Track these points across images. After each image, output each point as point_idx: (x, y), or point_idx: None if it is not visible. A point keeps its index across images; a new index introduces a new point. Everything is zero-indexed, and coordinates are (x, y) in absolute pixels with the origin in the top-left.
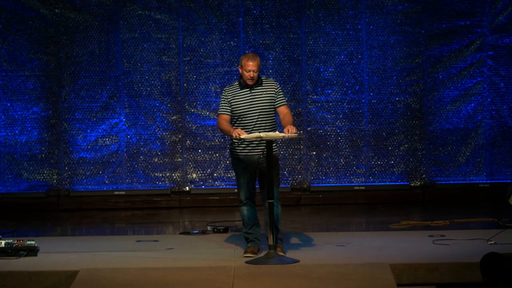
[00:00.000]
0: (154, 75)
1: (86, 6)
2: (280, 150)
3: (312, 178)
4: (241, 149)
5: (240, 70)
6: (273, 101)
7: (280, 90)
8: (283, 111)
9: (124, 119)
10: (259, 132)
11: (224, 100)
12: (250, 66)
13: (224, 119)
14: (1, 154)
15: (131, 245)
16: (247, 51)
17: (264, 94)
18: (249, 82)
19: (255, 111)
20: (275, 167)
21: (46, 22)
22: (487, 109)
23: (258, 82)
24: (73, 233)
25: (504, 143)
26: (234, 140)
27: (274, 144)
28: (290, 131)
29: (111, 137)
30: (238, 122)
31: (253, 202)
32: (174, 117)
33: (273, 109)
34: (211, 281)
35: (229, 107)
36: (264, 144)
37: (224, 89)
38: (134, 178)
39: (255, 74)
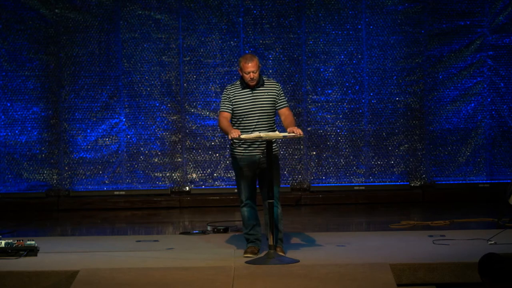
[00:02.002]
0: (154, 75)
1: (86, 6)
2: (280, 150)
3: (312, 178)
4: (242, 150)
5: (240, 73)
6: (274, 102)
7: (282, 92)
8: (285, 112)
9: (124, 119)
10: (260, 132)
11: (225, 98)
12: (249, 68)
13: (224, 117)
14: (1, 154)
15: (131, 245)
16: (247, 51)
17: (266, 95)
18: (251, 83)
19: (256, 111)
20: (275, 167)
21: (46, 22)
22: (487, 109)
23: (259, 83)
24: (73, 233)
25: (504, 143)
26: (235, 140)
27: (275, 144)
28: (296, 132)
29: (111, 137)
30: (239, 122)
31: (254, 202)
32: (174, 117)
33: (274, 110)
34: (211, 281)
35: (231, 105)
36: (265, 145)
37: (226, 87)
38: (134, 178)
39: (255, 75)
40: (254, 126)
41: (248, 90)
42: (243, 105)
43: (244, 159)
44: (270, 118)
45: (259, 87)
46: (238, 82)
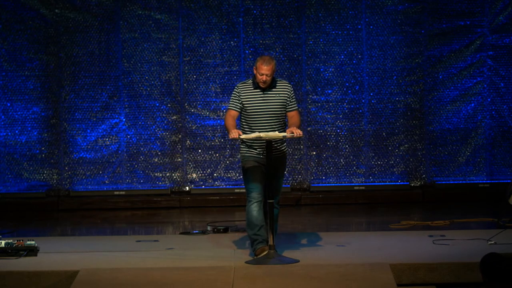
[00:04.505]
0: (154, 75)
1: (86, 6)
2: None
3: (312, 178)
4: (252, 149)
5: (254, 71)
6: (285, 104)
7: (293, 95)
8: (292, 115)
9: (124, 119)
10: (260, 132)
11: (235, 96)
12: (263, 70)
13: (231, 115)
14: (1, 154)
15: (131, 245)
16: (247, 51)
17: (277, 96)
18: (262, 86)
19: (266, 113)
20: (282, 168)
21: (46, 22)
22: (487, 109)
23: (271, 85)
24: (73, 233)
25: (504, 143)
26: (240, 141)
27: (284, 144)
28: (295, 133)
29: (111, 137)
30: (249, 121)
31: (262, 202)
32: (174, 117)
33: (285, 112)
34: (211, 281)
35: (240, 103)
36: (275, 145)
37: (237, 85)
38: (134, 178)
39: (268, 79)
40: (265, 127)
41: (259, 90)
42: (254, 106)
43: (254, 158)
44: (281, 120)
45: (271, 89)
46: (250, 81)
